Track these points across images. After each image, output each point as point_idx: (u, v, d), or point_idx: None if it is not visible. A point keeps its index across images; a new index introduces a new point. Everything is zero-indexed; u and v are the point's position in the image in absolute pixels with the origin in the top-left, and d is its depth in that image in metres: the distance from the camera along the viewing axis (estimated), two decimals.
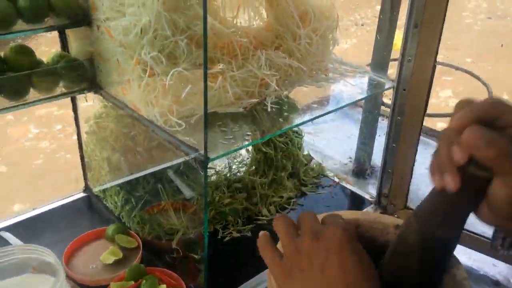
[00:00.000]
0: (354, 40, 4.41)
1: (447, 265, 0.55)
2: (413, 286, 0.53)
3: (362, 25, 4.46)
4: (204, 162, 0.78)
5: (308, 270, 0.48)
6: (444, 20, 0.94)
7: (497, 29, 4.63)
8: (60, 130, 2.93)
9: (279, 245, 0.54)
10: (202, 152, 0.78)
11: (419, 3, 0.96)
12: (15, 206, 2.26)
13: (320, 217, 0.66)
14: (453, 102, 3.50)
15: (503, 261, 1.08)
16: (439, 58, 1.03)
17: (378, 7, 1.17)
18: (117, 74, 0.91)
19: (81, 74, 0.97)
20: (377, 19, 1.16)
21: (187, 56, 0.87)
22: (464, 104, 0.45)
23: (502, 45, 3.81)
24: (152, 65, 0.84)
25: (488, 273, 1.10)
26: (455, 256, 0.56)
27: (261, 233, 0.55)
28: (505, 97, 3.39)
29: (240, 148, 0.86)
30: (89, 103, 1.09)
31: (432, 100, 1.04)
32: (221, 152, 0.82)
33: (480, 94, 2.61)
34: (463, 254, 1.13)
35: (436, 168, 0.45)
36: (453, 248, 0.52)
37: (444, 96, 3.58)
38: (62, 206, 1.19)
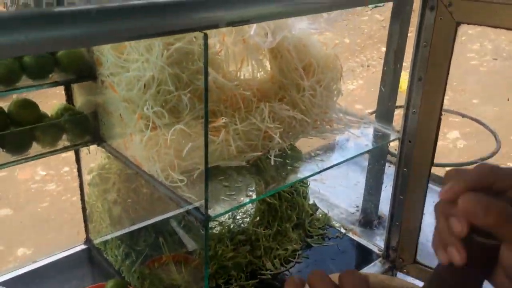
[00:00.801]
0: (360, 82, 4.45)
1: None
2: None
3: (368, 66, 4.51)
4: (204, 221, 0.76)
5: None
6: (448, 72, 0.93)
7: (503, 70, 4.66)
8: (67, 172, 2.94)
9: None
10: (203, 210, 0.77)
11: (422, 56, 0.96)
12: (19, 250, 2.23)
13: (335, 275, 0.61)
14: (460, 144, 3.48)
15: None
16: (446, 100, 1.02)
17: (383, 49, 1.17)
18: (120, 128, 0.91)
19: (84, 127, 0.97)
20: (382, 61, 1.16)
21: (190, 110, 0.87)
22: (454, 174, 0.43)
23: None
24: (154, 120, 0.84)
25: None
26: None
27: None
28: None
29: (243, 205, 0.84)
30: (96, 155, 1.08)
31: (439, 142, 1.02)
32: (222, 209, 0.80)
33: (487, 137, 2.59)
34: None
35: (438, 243, 0.43)
36: None
37: (452, 138, 3.56)
38: (62, 258, 1.17)
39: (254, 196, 0.86)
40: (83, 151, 1.09)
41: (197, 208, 0.78)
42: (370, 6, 5.76)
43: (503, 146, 2.39)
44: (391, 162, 1.56)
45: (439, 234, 0.43)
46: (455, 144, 3.46)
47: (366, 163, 1.37)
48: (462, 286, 0.45)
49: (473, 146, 3.17)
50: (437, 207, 0.44)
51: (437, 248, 0.43)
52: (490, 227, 0.39)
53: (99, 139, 1.00)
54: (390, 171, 1.41)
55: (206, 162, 0.72)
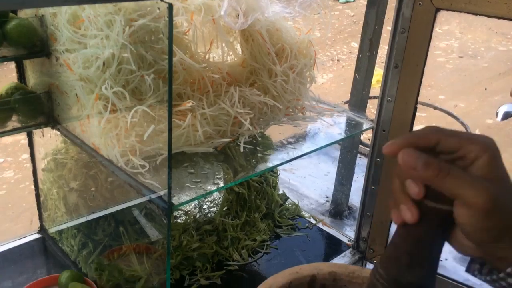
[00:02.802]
0: (330, 75, 4.46)
1: None
2: None
3: (338, 60, 4.52)
4: (167, 209, 0.71)
5: None
6: (425, 60, 0.90)
7: (468, 68, 4.77)
8: (26, 159, 2.81)
9: None
10: (165, 197, 0.71)
11: (400, 43, 0.92)
12: None
13: (284, 277, 0.60)
14: None
15: None
16: None
17: (354, 44, 1.14)
18: (76, 109, 0.84)
19: (37, 108, 0.89)
20: (353, 56, 1.13)
21: (154, 92, 0.80)
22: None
23: (486, 89, 3.91)
24: (114, 101, 0.77)
25: None
26: None
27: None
28: (477, 133, 3.44)
29: (210, 193, 0.79)
30: (51, 138, 1.01)
31: None
32: (187, 198, 0.75)
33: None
34: None
35: (392, 204, 0.45)
36: None
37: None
38: (14, 248, 1.09)
39: (221, 184, 0.81)
40: (36, 134, 1.01)
41: (159, 196, 0.72)
42: (340, 0, 5.80)
43: None
44: (362, 154, 1.54)
45: (393, 195, 0.44)
46: None
47: (337, 154, 1.34)
48: (417, 252, 0.44)
49: None
50: (394, 172, 0.44)
51: (391, 208, 0.45)
52: (433, 182, 0.40)
53: (53, 121, 0.92)
54: (361, 162, 1.39)
55: (170, 147, 0.67)
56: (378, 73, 1.28)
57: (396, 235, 0.46)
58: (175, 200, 0.73)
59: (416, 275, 0.44)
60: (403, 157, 0.41)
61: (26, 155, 2.85)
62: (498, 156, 0.41)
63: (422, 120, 3.59)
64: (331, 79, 4.28)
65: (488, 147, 0.41)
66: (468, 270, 0.48)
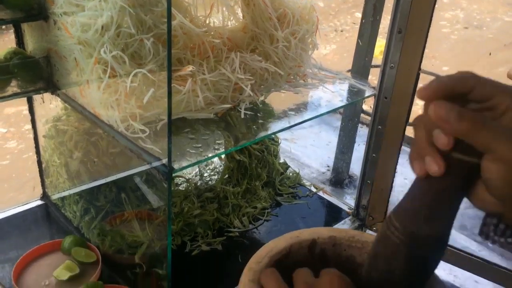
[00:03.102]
0: (333, 46, 4.40)
1: (436, 266, 0.47)
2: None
3: (342, 31, 4.45)
4: (167, 173, 0.71)
5: None
6: (429, 25, 0.89)
7: (473, 39, 4.70)
8: (29, 130, 2.81)
9: None
10: (165, 162, 0.71)
11: (404, 7, 0.90)
12: None
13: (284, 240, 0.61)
14: None
15: (485, 278, 1.04)
16: None
17: (358, 14, 1.12)
18: (75, 74, 0.83)
19: (36, 73, 0.88)
20: (356, 26, 1.11)
21: (153, 56, 0.79)
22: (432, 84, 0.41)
23: (490, 54, 3.86)
24: (113, 65, 0.76)
25: None
26: (435, 273, 0.50)
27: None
28: None
29: (210, 158, 0.79)
30: (51, 104, 1.00)
31: None
32: (187, 162, 0.75)
33: None
34: (443, 270, 1.09)
35: (415, 155, 0.42)
36: (444, 247, 0.45)
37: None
38: (17, 214, 1.10)
39: (222, 150, 0.81)
40: (37, 100, 1.01)
41: (160, 161, 0.72)
42: None
43: None
44: (364, 124, 1.53)
45: (417, 146, 0.41)
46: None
47: (338, 123, 1.33)
48: (437, 204, 0.42)
49: None
50: (417, 119, 0.42)
51: (414, 159, 0.42)
52: (466, 136, 0.38)
53: (52, 87, 0.91)
54: (363, 132, 1.39)
55: (170, 110, 0.66)
56: (381, 44, 1.26)
57: (414, 187, 0.44)
58: (175, 165, 0.73)
59: (435, 228, 0.43)
60: (435, 109, 0.38)
61: (29, 126, 2.85)
62: None
63: None
64: (334, 50, 4.23)
65: None
66: (481, 232, 0.45)
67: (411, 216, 0.44)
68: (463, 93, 0.40)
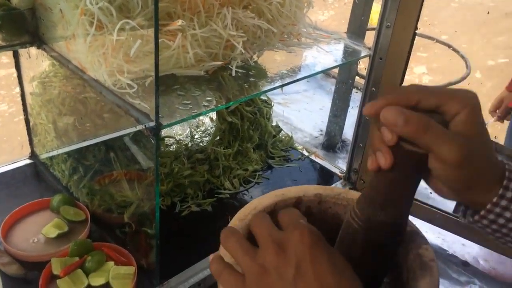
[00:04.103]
0: (332, 12, 4.31)
1: (396, 248, 0.51)
2: (365, 272, 0.48)
3: None
4: (155, 129, 0.69)
5: None
6: None
7: (474, 7, 4.63)
8: (19, 93, 2.77)
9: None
10: (153, 117, 0.69)
11: None
12: None
13: (269, 198, 0.59)
14: (427, 79, 3.49)
15: (472, 241, 1.05)
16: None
17: None
18: (61, 26, 0.80)
19: (21, 26, 0.85)
20: None
21: (142, 9, 0.76)
22: (389, 91, 0.46)
23: (488, 12, 3.80)
24: (100, 17, 0.73)
25: (457, 253, 1.07)
26: (422, 236, 0.53)
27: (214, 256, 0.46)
28: (477, 75, 3.39)
29: (199, 115, 0.77)
30: (38, 59, 0.97)
31: (406, 77, 0.98)
32: (176, 118, 0.73)
33: (455, 70, 2.58)
34: (432, 233, 1.10)
35: (370, 152, 0.46)
36: (400, 233, 0.49)
37: (418, 73, 3.55)
38: (6, 173, 1.09)
39: (212, 107, 0.79)
40: (23, 55, 0.98)
41: (147, 116, 0.70)
42: None
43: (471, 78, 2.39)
44: (358, 89, 1.51)
45: (371, 143, 0.46)
46: (421, 79, 3.46)
47: (332, 88, 1.31)
48: (391, 192, 0.46)
49: (440, 81, 3.18)
50: (372, 121, 0.45)
51: (369, 155, 0.46)
52: (411, 137, 0.42)
53: (38, 41, 0.88)
54: (357, 97, 1.37)
55: (156, 62, 0.64)
56: (378, 10, 1.23)
57: (373, 177, 0.47)
58: (163, 121, 0.71)
59: (389, 215, 0.47)
60: (384, 114, 0.42)
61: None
62: (477, 111, 0.42)
63: (422, 60, 3.53)
64: (332, 16, 4.16)
65: (468, 102, 0.42)
66: (455, 211, 0.50)
67: (368, 203, 0.47)
68: (410, 106, 0.43)
